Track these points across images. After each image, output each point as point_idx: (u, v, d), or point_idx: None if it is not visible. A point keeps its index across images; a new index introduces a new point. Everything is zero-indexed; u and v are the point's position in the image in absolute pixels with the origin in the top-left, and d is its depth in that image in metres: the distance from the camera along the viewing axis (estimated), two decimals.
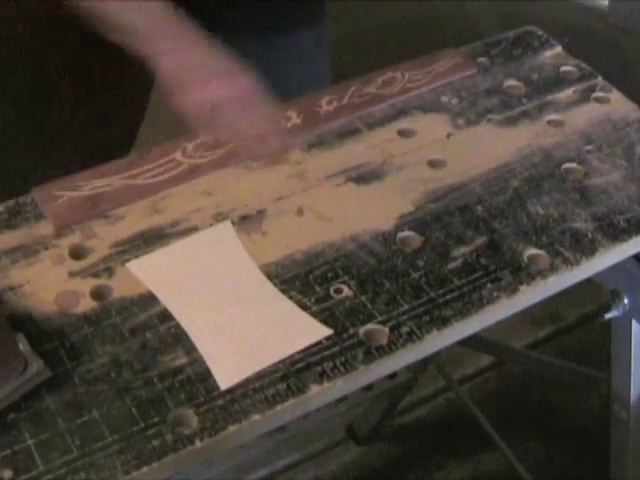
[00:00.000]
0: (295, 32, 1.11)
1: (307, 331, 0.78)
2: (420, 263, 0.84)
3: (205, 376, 0.74)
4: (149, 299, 0.80)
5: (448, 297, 0.81)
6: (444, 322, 0.79)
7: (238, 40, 1.10)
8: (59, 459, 0.68)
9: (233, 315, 0.79)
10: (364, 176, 0.92)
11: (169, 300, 0.80)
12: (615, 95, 1.02)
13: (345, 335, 0.77)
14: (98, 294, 0.81)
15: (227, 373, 0.74)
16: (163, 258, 0.84)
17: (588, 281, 0.88)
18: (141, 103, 1.17)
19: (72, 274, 0.82)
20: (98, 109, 1.06)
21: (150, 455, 0.69)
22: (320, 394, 0.74)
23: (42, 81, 0.87)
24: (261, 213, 0.88)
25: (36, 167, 1.01)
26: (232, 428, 0.71)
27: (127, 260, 0.84)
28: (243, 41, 1.10)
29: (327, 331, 0.78)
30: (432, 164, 0.94)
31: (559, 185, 0.92)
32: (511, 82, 1.03)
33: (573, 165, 0.94)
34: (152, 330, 0.78)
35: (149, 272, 0.82)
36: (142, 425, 0.70)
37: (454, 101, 1.02)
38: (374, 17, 2.43)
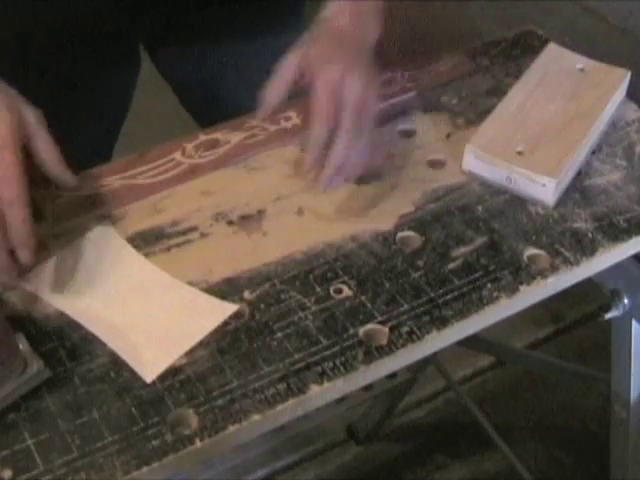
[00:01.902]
0: (270, 35, 1.10)
1: (214, 311, 0.78)
2: (420, 263, 0.84)
3: (205, 376, 0.74)
4: None
5: (448, 297, 0.81)
6: (444, 322, 0.79)
7: (215, 42, 1.10)
8: (59, 459, 0.68)
9: (137, 310, 0.78)
10: (364, 176, 0.92)
11: (70, 309, 0.79)
12: None
13: (345, 335, 0.77)
14: None
15: (148, 366, 0.74)
16: (51, 270, 0.82)
17: (588, 281, 0.88)
18: (125, 98, 1.17)
19: None
20: (80, 106, 1.06)
21: (150, 455, 0.69)
22: (320, 394, 0.74)
23: (27, 76, 0.87)
24: (261, 213, 0.88)
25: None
26: (232, 428, 0.71)
27: None
28: (221, 44, 1.11)
29: (232, 307, 0.78)
30: (432, 164, 0.94)
31: None
32: (511, 82, 1.03)
33: None
34: None
35: (42, 285, 0.81)
36: (142, 425, 0.70)
37: (454, 101, 1.02)
38: None
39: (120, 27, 1.06)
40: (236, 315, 0.79)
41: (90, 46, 1.05)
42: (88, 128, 1.09)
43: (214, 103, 1.14)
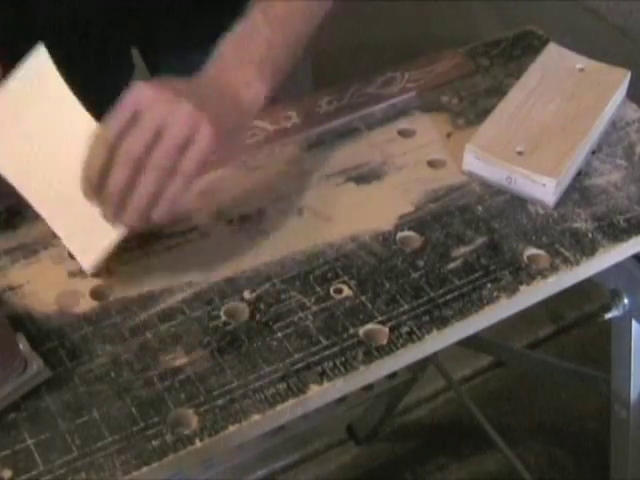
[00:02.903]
0: None
1: None
2: (420, 263, 0.84)
3: (205, 376, 0.74)
4: (149, 299, 0.80)
5: (448, 297, 0.81)
6: (444, 322, 0.79)
7: (207, 51, 1.10)
8: (59, 459, 0.68)
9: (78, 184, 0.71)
10: (364, 176, 0.92)
11: (12, 173, 0.72)
12: None
13: (345, 335, 0.77)
14: (98, 294, 0.81)
15: (88, 253, 0.70)
16: None
17: (588, 281, 0.88)
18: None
19: (72, 274, 0.82)
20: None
21: (150, 455, 0.69)
22: (320, 394, 0.74)
23: None
24: (261, 213, 0.88)
25: None
26: (232, 428, 0.71)
27: (127, 260, 0.83)
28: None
29: None
30: (432, 164, 0.94)
31: None
32: (511, 82, 1.03)
33: None
34: (152, 330, 0.78)
35: None
36: (142, 425, 0.71)
37: (454, 101, 1.02)
38: (374, 17, 2.43)
39: (112, 31, 1.05)
40: (235, 315, 0.79)
41: (83, 49, 1.05)
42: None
43: None
